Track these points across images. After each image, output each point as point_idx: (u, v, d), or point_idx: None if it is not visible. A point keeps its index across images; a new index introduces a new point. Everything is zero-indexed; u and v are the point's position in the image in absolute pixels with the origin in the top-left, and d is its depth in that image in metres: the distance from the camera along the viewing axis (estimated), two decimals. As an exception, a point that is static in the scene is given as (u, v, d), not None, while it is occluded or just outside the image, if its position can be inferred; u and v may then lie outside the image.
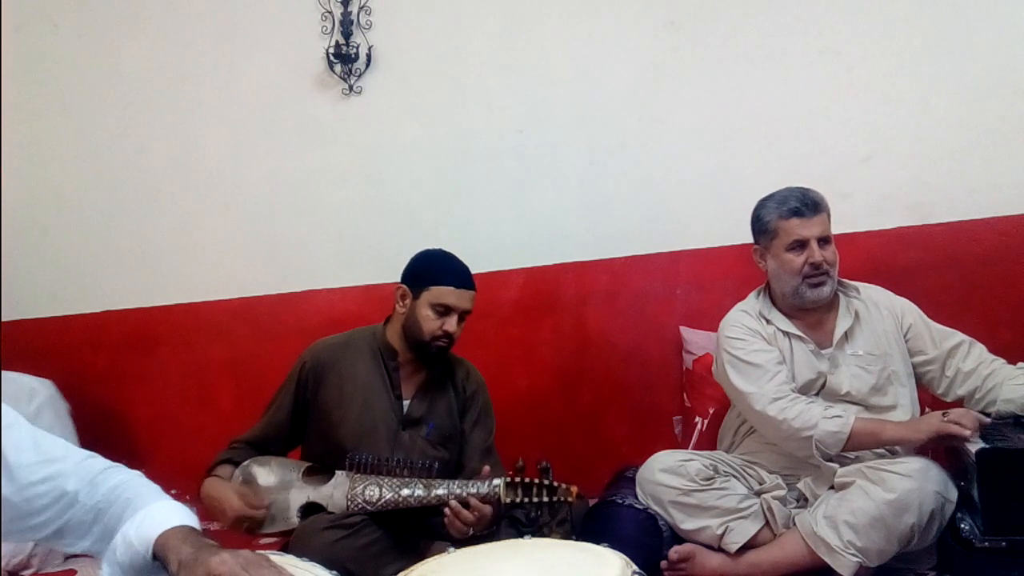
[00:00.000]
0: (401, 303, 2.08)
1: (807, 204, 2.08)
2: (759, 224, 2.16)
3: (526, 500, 1.78)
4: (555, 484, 1.78)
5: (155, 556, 1.05)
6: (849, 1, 2.61)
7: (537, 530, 1.81)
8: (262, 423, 2.11)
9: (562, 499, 1.77)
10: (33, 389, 2.68)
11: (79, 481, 1.14)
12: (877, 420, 2.04)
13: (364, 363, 2.09)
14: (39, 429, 1.16)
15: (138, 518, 1.09)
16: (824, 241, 2.09)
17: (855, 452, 2.03)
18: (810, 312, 2.18)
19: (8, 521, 1.11)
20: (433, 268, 2.06)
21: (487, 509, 1.80)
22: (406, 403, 2.09)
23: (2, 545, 2.26)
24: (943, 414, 1.92)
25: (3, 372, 2.74)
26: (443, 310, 2.02)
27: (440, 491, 1.85)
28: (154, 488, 1.18)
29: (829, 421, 1.98)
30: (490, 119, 2.85)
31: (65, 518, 1.14)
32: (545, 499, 1.77)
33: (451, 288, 2.02)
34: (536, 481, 1.78)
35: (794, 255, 2.09)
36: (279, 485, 1.97)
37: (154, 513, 1.10)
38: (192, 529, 1.09)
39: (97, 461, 1.19)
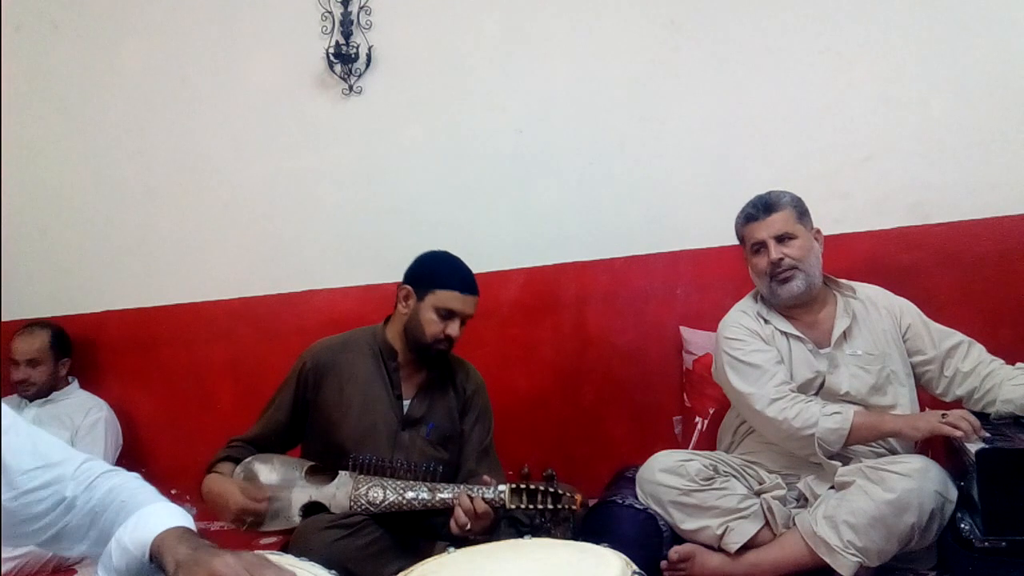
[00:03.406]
0: (404, 304, 2.08)
1: (758, 207, 2.15)
2: (736, 235, 2.24)
3: (531, 507, 1.78)
4: (560, 492, 1.78)
5: (152, 559, 1.02)
6: (849, 1, 2.61)
7: (537, 530, 1.81)
8: (261, 422, 2.11)
9: (567, 507, 1.77)
10: (91, 407, 2.86)
11: (77, 486, 1.12)
12: (876, 413, 2.05)
13: (364, 363, 2.09)
14: (38, 430, 1.13)
15: (131, 522, 1.07)
16: (785, 238, 2.12)
17: (856, 447, 2.04)
18: (806, 311, 2.19)
19: (8, 527, 1.09)
20: (438, 271, 2.06)
21: (488, 510, 1.81)
22: (406, 403, 2.09)
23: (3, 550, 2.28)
24: (942, 415, 1.92)
25: (68, 388, 2.93)
26: (447, 314, 2.02)
27: (444, 495, 1.85)
28: (149, 490, 1.15)
29: (829, 418, 1.99)
30: (490, 119, 2.85)
31: (63, 523, 1.11)
32: (550, 506, 1.77)
33: (456, 293, 2.02)
34: (541, 488, 1.79)
35: (757, 258, 2.16)
36: (281, 483, 1.97)
37: (148, 515, 1.07)
38: (187, 530, 1.06)
39: (95, 464, 1.16)
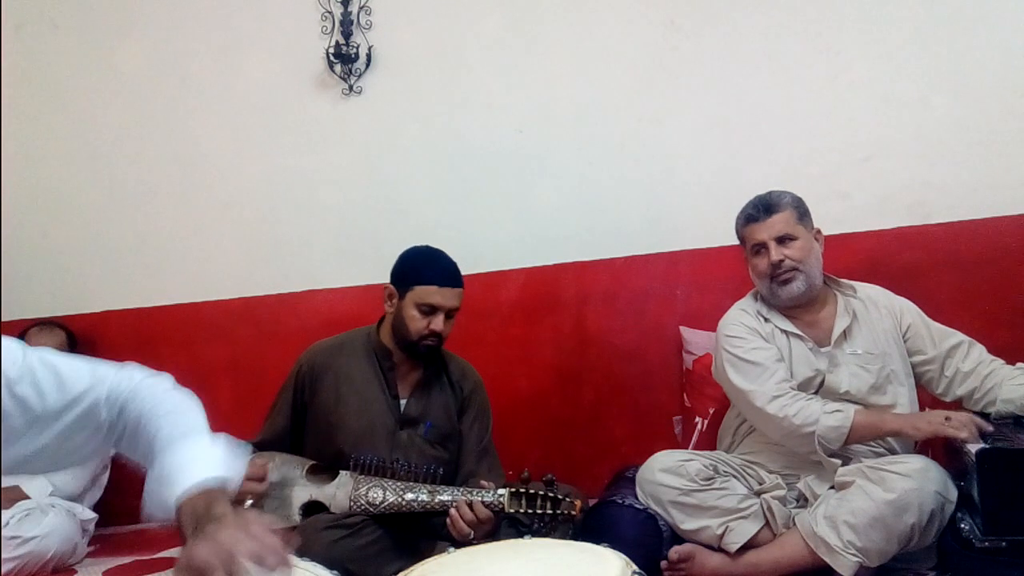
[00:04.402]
0: (389, 303, 2.08)
1: (758, 208, 2.14)
2: (737, 236, 2.23)
3: (530, 511, 1.78)
4: (559, 496, 1.77)
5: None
6: (849, 1, 2.61)
7: (537, 532, 1.81)
8: (265, 428, 2.12)
9: (566, 512, 1.77)
10: None
11: (110, 411, 1.10)
12: (877, 412, 2.04)
13: (360, 364, 2.09)
14: (54, 359, 1.09)
15: (160, 468, 1.02)
16: (785, 239, 2.11)
17: (856, 447, 2.04)
18: (807, 310, 2.19)
19: (64, 457, 1.11)
20: (417, 267, 2.05)
21: (490, 514, 1.80)
22: (403, 402, 2.08)
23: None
24: (946, 417, 1.91)
25: None
26: (428, 309, 2.01)
27: (444, 497, 1.85)
28: (175, 415, 1.09)
29: (830, 416, 1.98)
30: (490, 119, 2.85)
31: (114, 438, 1.12)
32: (549, 511, 1.77)
33: (435, 287, 2.01)
34: (541, 492, 1.78)
35: (758, 259, 2.15)
36: (282, 482, 1.97)
37: (172, 464, 1.01)
38: (204, 495, 0.99)
39: (121, 386, 1.12)
